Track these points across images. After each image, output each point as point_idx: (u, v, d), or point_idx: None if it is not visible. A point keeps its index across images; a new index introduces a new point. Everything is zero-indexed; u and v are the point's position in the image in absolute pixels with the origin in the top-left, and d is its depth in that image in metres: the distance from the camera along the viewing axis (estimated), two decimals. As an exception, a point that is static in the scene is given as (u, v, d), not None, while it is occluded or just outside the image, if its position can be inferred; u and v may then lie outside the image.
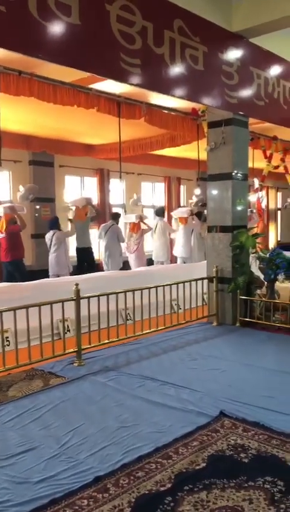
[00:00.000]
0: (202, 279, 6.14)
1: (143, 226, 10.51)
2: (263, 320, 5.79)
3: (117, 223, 10.06)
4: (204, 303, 6.42)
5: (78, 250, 9.80)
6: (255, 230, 8.99)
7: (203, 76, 5.13)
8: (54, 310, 4.47)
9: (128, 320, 5.41)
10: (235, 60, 5.54)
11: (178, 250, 11.17)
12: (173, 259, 11.40)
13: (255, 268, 6.28)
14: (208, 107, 5.71)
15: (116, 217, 10.14)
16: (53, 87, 5.53)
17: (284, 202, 14.79)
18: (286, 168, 10.25)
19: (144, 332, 5.30)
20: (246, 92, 5.82)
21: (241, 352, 4.89)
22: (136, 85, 4.54)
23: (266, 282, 6.02)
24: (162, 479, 2.47)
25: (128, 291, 5.18)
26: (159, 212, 11.04)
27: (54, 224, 9.07)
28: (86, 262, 9.81)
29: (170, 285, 5.72)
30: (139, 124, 7.04)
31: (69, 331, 5.05)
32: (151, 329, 5.37)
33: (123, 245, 10.31)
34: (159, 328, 5.46)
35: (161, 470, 2.56)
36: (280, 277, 5.84)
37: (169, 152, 10.38)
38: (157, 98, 6.54)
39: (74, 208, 9.97)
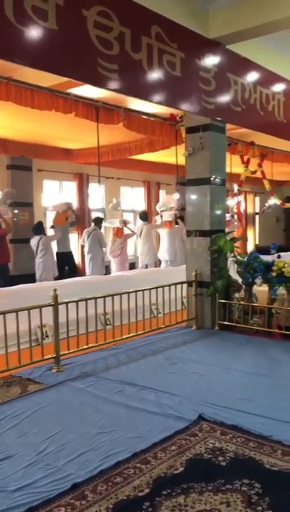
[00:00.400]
0: (182, 283, 6.17)
1: (126, 231, 10.59)
2: (242, 323, 5.84)
3: (100, 228, 10.12)
4: (183, 307, 6.45)
5: (58, 255, 9.78)
6: (234, 235, 9.09)
7: (181, 82, 5.17)
8: (32, 316, 4.43)
9: (107, 325, 5.40)
10: (212, 66, 5.60)
11: (163, 254, 11.40)
12: (157, 262, 11.56)
13: (233, 272, 6.33)
14: (186, 112, 5.75)
15: (98, 221, 10.17)
16: (30, 92, 5.52)
17: (262, 207, 14.97)
18: (263, 173, 10.40)
19: (123, 337, 5.29)
20: (224, 98, 5.89)
21: (220, 355, 4.92)
22: (114, 90, 4.56)
23: (244, 286, 6.08)
24: (141, 484, 2.47)
25: (107, 296, 5.17)
26: (143, 216, 11.16)
27: (39, 229, 9.05)
28: (66, 266, 9.79)
29: (150, 289, 5.72)
30: (118, 128, 7.06)
31: (47, 337, 5.02)
32: (131, 334, 5.36)
33: (107, 249, 10.37)
34: (138, 333, 5.46)
35: (139, 475, 2.56)
36: (258, 280, 5.90)
37: (148, 157, 10.44)
38: (135, 103, 6.58)
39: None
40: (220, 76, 5.75)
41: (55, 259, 9.68)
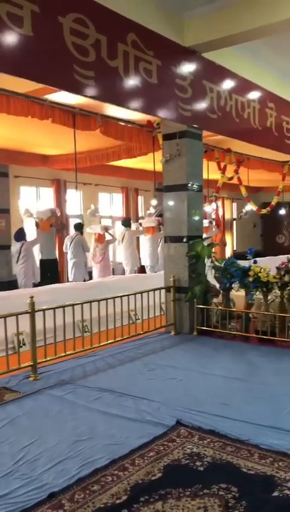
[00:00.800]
0: (160, 289, 6.18)
1: (108, 237, 10.62)
2: (219, 328, 5.88)
3: (81, 233, 10.15)
4: (162, 313, 6.46)
5: (43, 262, 9.70)
6: (212, 240, 9.15)
7: (157, 89, 5.21)
8: (8, 324, 4.38)
9: (85, 332, 5.37)
10: (188, 73, 5.65)
11: (146, 259, 11.61)
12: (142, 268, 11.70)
13: (211, 277, 6.38)
14: (163, 119, 5.79)
15: (79, 227, 10.18)
16: (6, 98, 5.48)
17: (239, 213, 15.12)
18: (239, 179, 10.52)
19: (102, 344, 5.27)
20: (200, 105, 5.95)
21: (198, 361, 4.94)
22: (91, 97, 4.57)
23: (221, 291, 6.13)
24: (118, 492, 2.45)
25: (85, 302, 5.14)
26: (125, 223, 11.24)
27: (21, 235, 8.99)
28: (49, 273, 9.74)
29: (128, 295, 5.71)
30: (95, 134, 7.06)
31: (24, 344, 4.96)
32: (109, 341, 5.34)
33: (89, 255, 10.40)
34: (117, 340, 5.44)
35: (117, 482, 2.55)
36: (235, 286, 5.95)
37: (126, 163, 10.45)
38: (112, 110, 6.59)
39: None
40: (196, 83, 5.81)
41: (38, 266, 9.62)
